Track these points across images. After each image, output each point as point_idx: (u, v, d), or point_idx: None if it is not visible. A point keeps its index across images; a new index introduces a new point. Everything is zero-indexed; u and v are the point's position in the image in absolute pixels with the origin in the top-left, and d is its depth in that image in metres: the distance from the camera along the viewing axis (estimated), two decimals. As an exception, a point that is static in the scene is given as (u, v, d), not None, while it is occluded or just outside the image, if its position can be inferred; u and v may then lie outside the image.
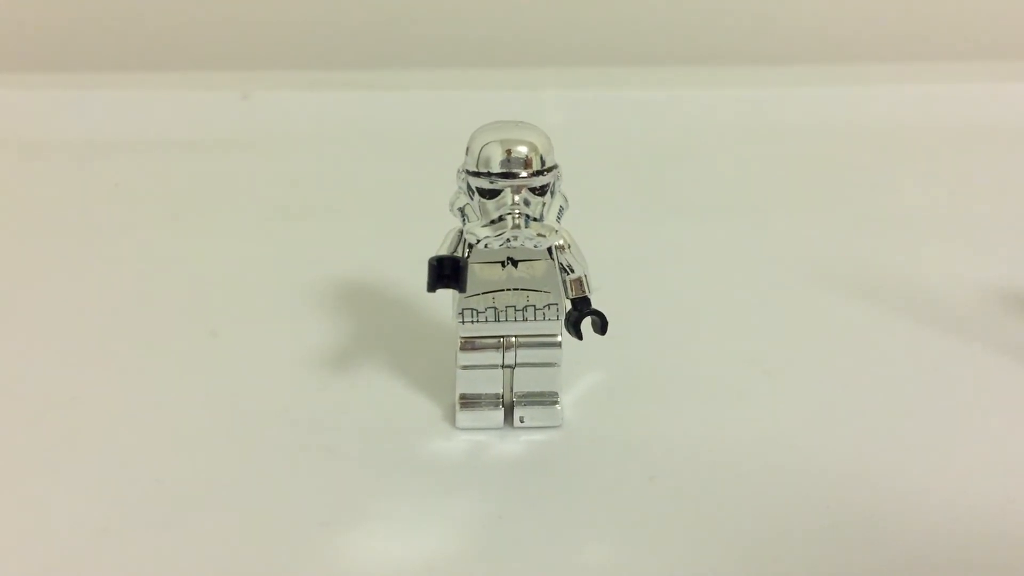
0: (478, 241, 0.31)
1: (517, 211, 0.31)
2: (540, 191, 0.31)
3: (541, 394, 0.35)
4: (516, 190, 0.31)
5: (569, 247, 0.33)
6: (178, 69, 0.70)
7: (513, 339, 0.34)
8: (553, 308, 0.33)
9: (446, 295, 0.33)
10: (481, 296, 0.33)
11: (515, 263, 0.33)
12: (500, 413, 0.35)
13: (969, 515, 0.31)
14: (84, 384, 0.38)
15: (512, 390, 0.35)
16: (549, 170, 0.31)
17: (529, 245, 0.31)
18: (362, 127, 0.65)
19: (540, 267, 0.33)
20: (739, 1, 0.70)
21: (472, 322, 0.33)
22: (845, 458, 0.33)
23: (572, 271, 0.33)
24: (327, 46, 0.71)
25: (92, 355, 0.40)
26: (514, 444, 0.34)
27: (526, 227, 0.31)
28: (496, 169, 0.31)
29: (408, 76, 0.70)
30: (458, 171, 0.32)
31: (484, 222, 0.31)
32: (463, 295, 0.33)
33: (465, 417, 0.35)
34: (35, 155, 0.62)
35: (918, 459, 0.33)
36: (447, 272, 0.31)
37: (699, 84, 0.69)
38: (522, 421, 0.35)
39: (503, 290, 0.33)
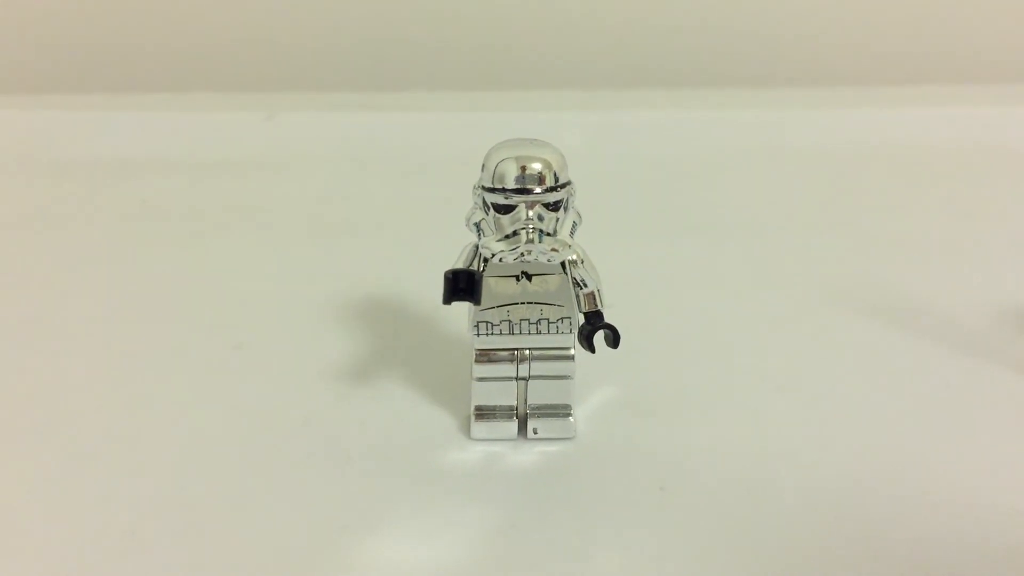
0: (493, 255, 0.32)
1: (531, 226, 0.31)
2: (554, 207, 0.32)
3: (555, 406, 0.35)
4: (530, 205, 0.31)
5: (582, 262, 0.33)
6: (205, 90, 0.72)
7: (527, 352, 0.34)
8: (566, 322, 0.34)
9: (462, 308, 0.34)
10: (496, 309, 0.33)
11: (529, 277, 0.33)
12: (514, 425, 0.35)
13: (981, 530, 0.31)
14: (110, 394, 0.38)
15: (526, 402, 0.35)
16: (563, 186, 0.32)
17: (542, 259, 0.32)
18: (383, 147, 0.66)
19: (554, 281, 0.33)
20: (754, 25, 0.71)
21: (487, 335, 0.34)
22: (856, 474, 0.34)
23: (585, 285, 0.33)
24: (350, 68, 0.72)
25: (119, 366, 0.40)
26: (528, 455, 0.35)
27: (540, 242, 0.31)
28: (511, 185, 0.31)
29: (429, 98, 0.71)
30: (474, 187, 0.33)
31: (499, 237, 0.31)
32: (478, 308, 0.33)
33: (480, 428, 0.35)
34: (65, 174, 0.63)
35: (930, 476, 0.33)
36: (462, 285, 0.31)
37: (713, 106, 0.69)
38: (536, 433, 0.35)
39: (517, 303, 0.33)
